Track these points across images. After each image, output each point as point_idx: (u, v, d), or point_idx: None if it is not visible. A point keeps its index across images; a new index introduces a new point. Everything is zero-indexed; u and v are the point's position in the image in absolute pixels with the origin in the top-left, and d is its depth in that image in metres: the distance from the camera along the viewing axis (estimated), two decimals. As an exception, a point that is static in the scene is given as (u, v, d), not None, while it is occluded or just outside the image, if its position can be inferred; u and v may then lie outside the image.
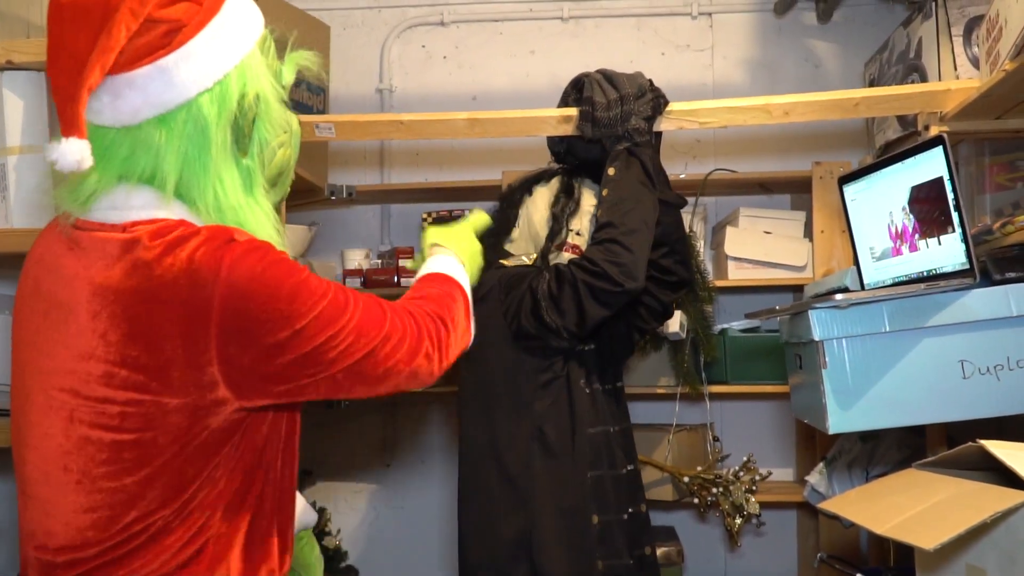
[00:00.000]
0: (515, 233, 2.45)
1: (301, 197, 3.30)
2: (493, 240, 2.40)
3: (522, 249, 2.44)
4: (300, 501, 1.51)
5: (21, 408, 1.29)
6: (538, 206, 2.43)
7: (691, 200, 3.37)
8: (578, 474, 2.24)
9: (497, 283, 2.31)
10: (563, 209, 2.39)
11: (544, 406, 2.26)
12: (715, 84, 3.74)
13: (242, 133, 1.27)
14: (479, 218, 1.82)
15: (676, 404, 3.27)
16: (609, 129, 2.27)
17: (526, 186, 2.48)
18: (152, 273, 1.17)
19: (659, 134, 2.39)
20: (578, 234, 2.39)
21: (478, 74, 3.82)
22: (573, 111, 2.34)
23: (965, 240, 1.86)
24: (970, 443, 1.64)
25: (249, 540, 1.29)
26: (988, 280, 1.98)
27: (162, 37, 1.19)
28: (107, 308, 1.18)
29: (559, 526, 2.21)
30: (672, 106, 2.34)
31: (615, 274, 2.14)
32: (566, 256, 2.37)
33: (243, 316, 1.18)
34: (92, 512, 1.22)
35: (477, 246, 1.73)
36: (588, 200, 2.42)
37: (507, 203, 2.48)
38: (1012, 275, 1.96)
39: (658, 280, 2.35)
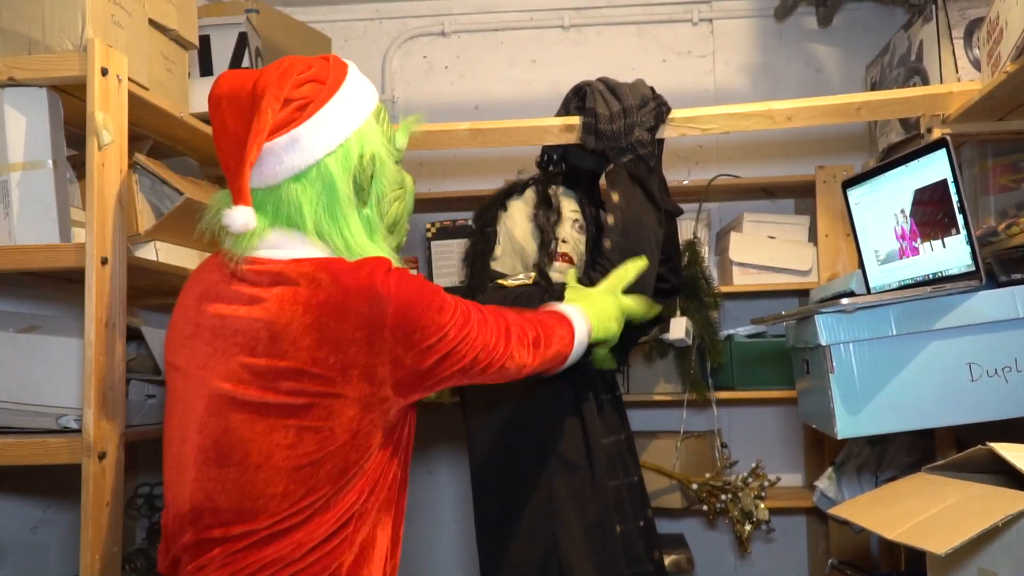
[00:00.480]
0: (498, 251, 2.44)
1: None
2: (479, 263, 2.42)
3: (508, 266, 2.42)
4: None
5: (192, 407, 1.49)
6: (516, 220, 2.43)
7: (695, 206, 3.37)
8: (599, 485, 2.23)
9: (502, 304, 2.29)
10: (547, 219, 2.38)
11: (557, 423, 2.25)
12: (717, 90, 3.74)
13: (361, 187, 1.53)
14: (622, 278, 2.01)
15: (683, 411, 3.26)
16: (613, 141, 2.27)
17: (499, 202, 2.48)
18: (339, 292, 1.42)
19: (662, 141, 2.39)
20: (564, 242, 2.38)
21: (480, 83, 3.82)
22: (576, 120, 2.34)
23: (970, 242, 1.86)
24: (979, 446, 1.63)
25: (378, 518, 1.54)
26: (994, 282, 1.97)
27: (294, 112, 1.47)
28: (296, 320, 1.41)
29: (586, 540, 2.19)
30: (674, 113, 2.34)
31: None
32: (560, 266, 2.37)
33: (409, 324, 1.44)
34: (271, 489, 1.43)
35: (611, 310, 1.93)
36: (568, 206, 2.42)
37: (483, 222, 2.48)
38: (1018, 276, 1.95)
39: (655, 288, 2.34)
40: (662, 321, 2.46)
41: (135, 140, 2.23)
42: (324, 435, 1.43)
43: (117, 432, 1.80)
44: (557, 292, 2.17)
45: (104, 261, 1.79)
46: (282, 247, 1.49)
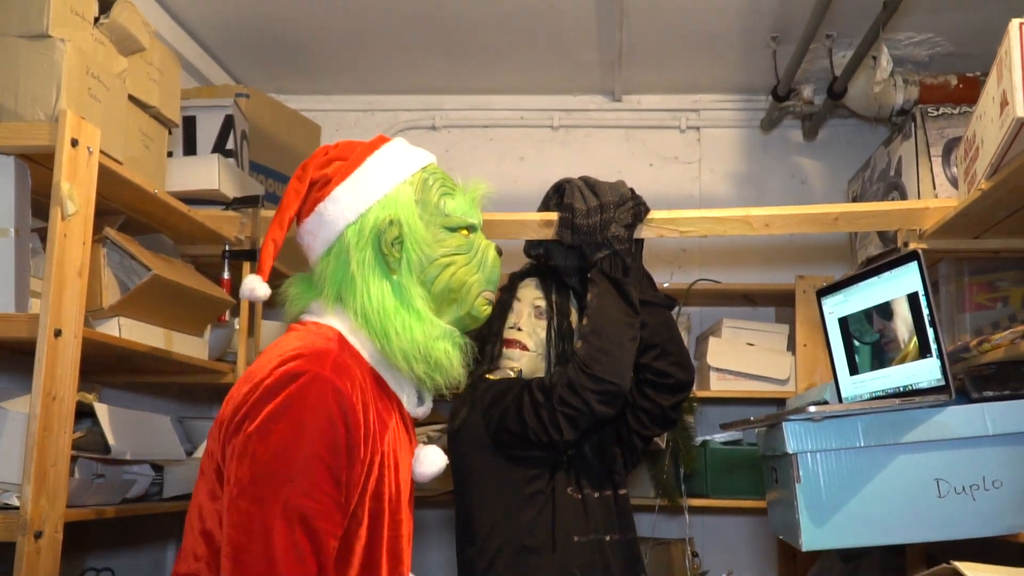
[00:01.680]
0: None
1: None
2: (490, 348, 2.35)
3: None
4: None
5: None
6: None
7: (675, 310, 3.34)
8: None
9: (482, 396, 2.24)
10: (497, 303, 2.27)
11: (529, 517, 2.18)
12: (702, 196, 3.75)
13: (386, 254, 1.53)
14: None
15: (654, 516, 3.19)
16: (589, 236, 2.25)
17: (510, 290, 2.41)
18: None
19: (640, 242, 2.37)
20: (519, 329, 2.31)
21: (467, 178, 3.82)
22: (554, 215, 2.33)
23: (940, 356, 1.83)
24: (944, 564, 1.58)
25: None
26: (966, 398, 1.94)
27: (319, 191, 1.57)
28: None
29: None
30: (653, 214, 2.34)
31: (598, 402, 2.09)
32: (511, 353, 2.30)
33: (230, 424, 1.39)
34: None
35: None
36: (530, 294, 2.35)
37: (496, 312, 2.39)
38: (989, 393, 1.92)
39: (654, 383, 2.27)
40: (673, 421, 2.35)
41: (108, 214, 2.22)
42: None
43: (57, 512, 1.74)
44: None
45: (58, 333, 1.75)
46: (315, 313, 1.56)
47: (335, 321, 1.53)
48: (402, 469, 1.57)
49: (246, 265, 2.55)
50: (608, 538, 2.23)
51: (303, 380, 1.35)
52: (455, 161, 3.85)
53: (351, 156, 1.59)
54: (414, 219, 1.56)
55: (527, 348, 2.30)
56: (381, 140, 1.64)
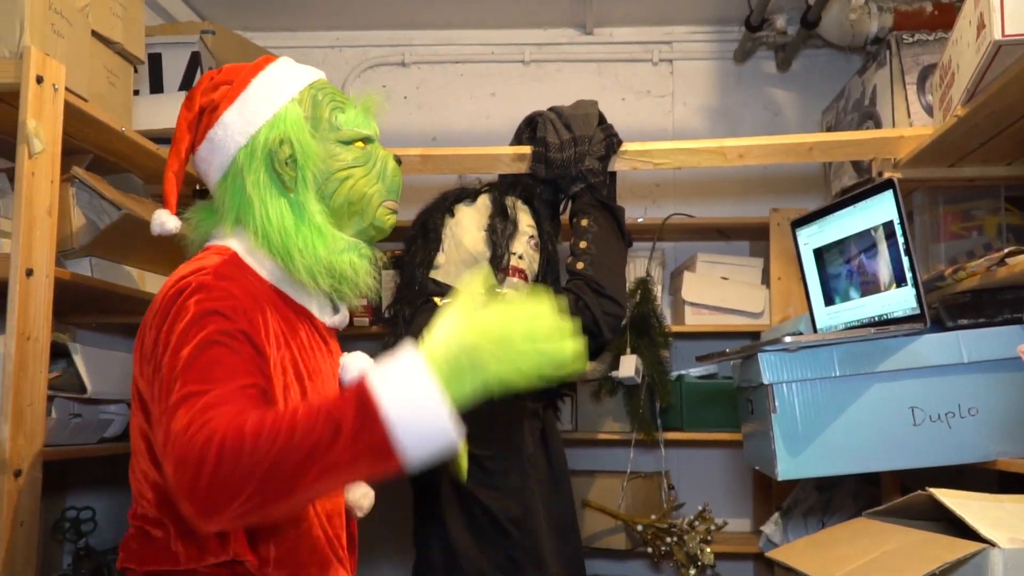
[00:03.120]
0: (440, 258, 2.24)
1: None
2: (419, 271, 2.23)
3: (451, 276, 2.22)
4: None
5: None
6: (467, 227, 2.24)
7: (649, 244, 3.35)
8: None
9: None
10: (502, 232, 2.21)
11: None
12: (675, 129, 3.74)
13: (280, 173, 1.53)
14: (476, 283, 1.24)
15: (631, 450, 3.22)
16: (563, 170, 2.25)
17: (447, 206, 2.29)
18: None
19: (614, 174, 2.37)
20: (520, 257, 2.22)
21: (438, 115, 3.80)
22: (526, 149, 2.32)
23: (916, 285, 1.85)
24: (920, 491, 1.61)
25: None
26: (940, 327, 1.96)
27: (208, 116, 1.58)
28: None
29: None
30: (626, 146, 2.33)
31: (607, 325, 2.14)
32: (515, 282, 2.20)
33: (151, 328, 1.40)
34: None
35: (481, 340, 1.15)
36: (525, 220, 2.26)
37: (426, 226, 2.29)
38: (964, 322, 1.94)
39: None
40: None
41: (75, 154, 2.18)
42: None
43: (34, 450, 1.74)
44: None
45: (29, 273, 1.73)
46: (215, 238, 1.57)
47: (233, 243, 1.54)
48: (327, 380, 1.60)
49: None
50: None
51: (189, 291, 1.37)
52: (426, 97, 3.81)
53: (236, 79, 1.60)
54: (305, 136, 1.57)
55: (527, 279, 2.24)
56: (266, 60, 1.64)
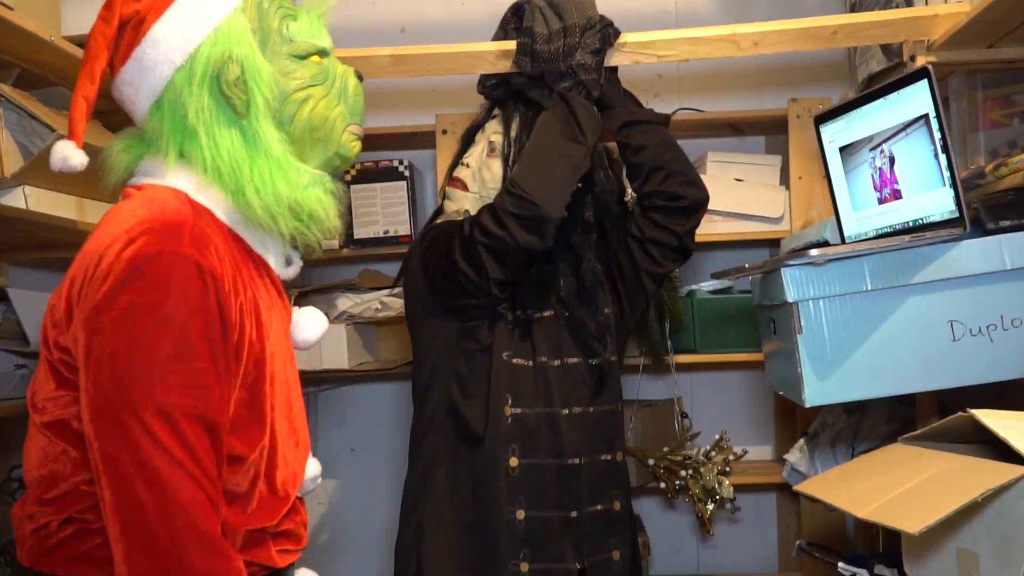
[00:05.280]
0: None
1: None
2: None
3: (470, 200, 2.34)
4: None
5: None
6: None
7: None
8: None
9: (420, 241, 2.28)
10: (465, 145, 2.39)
11: (463, 374, 2.21)
12: (677, 12, 3.72)
13: (230, 96, 1.48)
14: None
15: (639, 377, 3.28)
16: (551, 64, 2.25)
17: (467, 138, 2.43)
18: (89, 241, 1.43)
19: (614, 69, 2.38)
20: (466, 166, 2.34)
21: (406, 2, 3.77)
22: (512, 44, 2.32)
23: (954, 186, 1.88)
24: (960, 413, 1.66)
25: None
26: (980, 230, 1.99)
27: (131, 32, 1.49)
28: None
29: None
30: (625, 37, 2.33)
31: (511, 225, 2.10)
32: (452, 192, 2.34)
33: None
34: None
35: None
36: (491, 127, 2.36)
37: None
38: (1007, 223, 1.97)
39: (665, 208, 2.32)
40: (688, 253, 2.38)
41: (-1, 68, 2.18)
42: None
43: (-21, 406, 1.78)
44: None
45: (-39, 209, 1.75)
46: (152, 174, 1.51)
47: (179, 180, 1.50)
48: (280, 338, 1.58)
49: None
50: (566, 411, 2.24)
51: (161, 262, 1.34)
52: (391, -18, 3.78)
53: None
54: (253, 52, 1.52)
55: (468, 189, 2.31)
56: None
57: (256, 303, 1.49)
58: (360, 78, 1.68)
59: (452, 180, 2.34)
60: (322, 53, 1.60)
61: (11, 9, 2.01)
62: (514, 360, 2.22)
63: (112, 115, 2.33)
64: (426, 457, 2.23)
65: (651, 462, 3.12)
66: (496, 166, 2.30)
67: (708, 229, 3.32)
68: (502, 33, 2.42)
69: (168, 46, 1.48)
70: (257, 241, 1.56)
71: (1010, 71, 2.39)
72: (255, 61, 1.51)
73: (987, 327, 1.92)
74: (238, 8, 1.53)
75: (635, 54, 2.36)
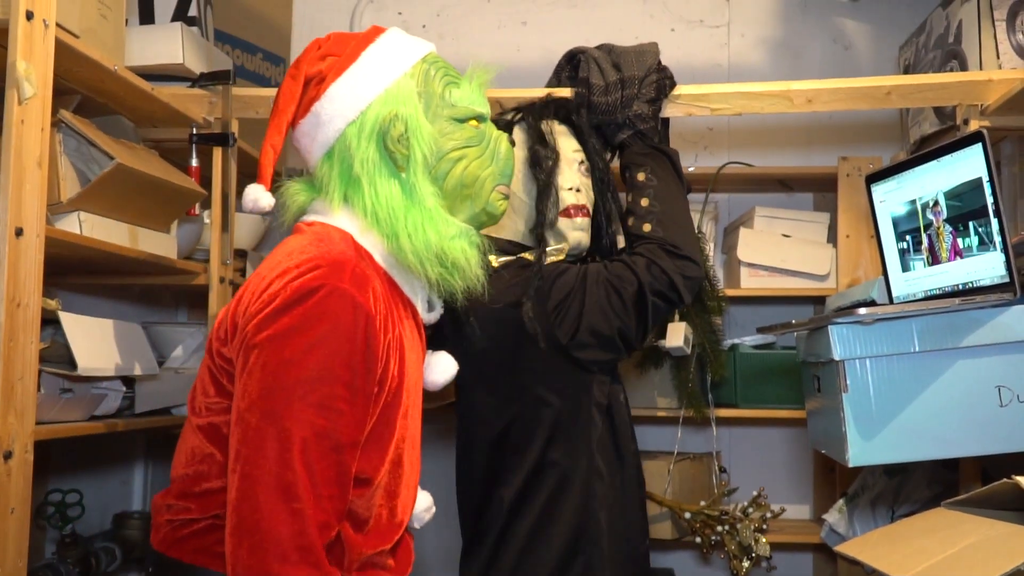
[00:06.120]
0: None
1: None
2: None
3: (511, 231, 2.24)
4: None
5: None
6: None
7: (701, 197, 3.38)
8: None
9: (541, 289, 2.11)
10: (544, 163, 2.19)
11: (598, 432, 2.16)
12: (731, 65, 3.75)
13: (392, 151, 1.62)
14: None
15: (678, 429, 3.27)
16: (608, 115, 2.26)
17: None
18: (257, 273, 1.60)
19: (666, 121, 2.39)
20: (578, 191, 2.22)
21: (462, 46, 3.81)
22: (567, 92, 2.34)
23: (1005, 251, 1.87)
24: (1004, 480, 1.65)
25: None
26: (1031, 296, 1.98)
27: (314, 89, 1.67)
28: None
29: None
30: (680, 89, 2.35)
31: (688, 289, 2.13)
32: (581, 222, 2.22)
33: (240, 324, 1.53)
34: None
35: None
36: (568, 145, 2.25)
37: None
38: (1058, 291, 1.96)
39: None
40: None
41: (60, 95, 2.22)
42: None
43: (26, 429, 1.79)
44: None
45: (19, 232, 1.78)
46: (321, 213, 1.67)
47: (345, 222, 1.64)
48: (416, 376, 1.69)
49: (216, 151, 2.56)
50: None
51: (322, 294, 1.46)
52: (447, 27, 3.83)
53: (345, 50, 1.69)
54: (418, 113, 1.66)
55: (590, 214, 2.27)
56: (376, 31, 1.73)
57: (401, 341, 1.61)
58: (512, 143, 1.80)
59: (575, 209, 2.22)
60: (479, 118, 1.73)
61: (77, 37, 2.05)
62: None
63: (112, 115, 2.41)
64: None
65: (687, 516, 3.10)
66: (590, 187, 2.26)
67: (753, 283, 3.32)
68: (556, 80, 2.44)
69: (343, 103, 1.64)
70: (407, 284, 1.69)
71: (1064, 138, 2.39)
72: (418, 121, 1.65)
73: (1036, 394, 1.91)
74: (407, 73, 1.68)
75: (689, 106, 2.38)
